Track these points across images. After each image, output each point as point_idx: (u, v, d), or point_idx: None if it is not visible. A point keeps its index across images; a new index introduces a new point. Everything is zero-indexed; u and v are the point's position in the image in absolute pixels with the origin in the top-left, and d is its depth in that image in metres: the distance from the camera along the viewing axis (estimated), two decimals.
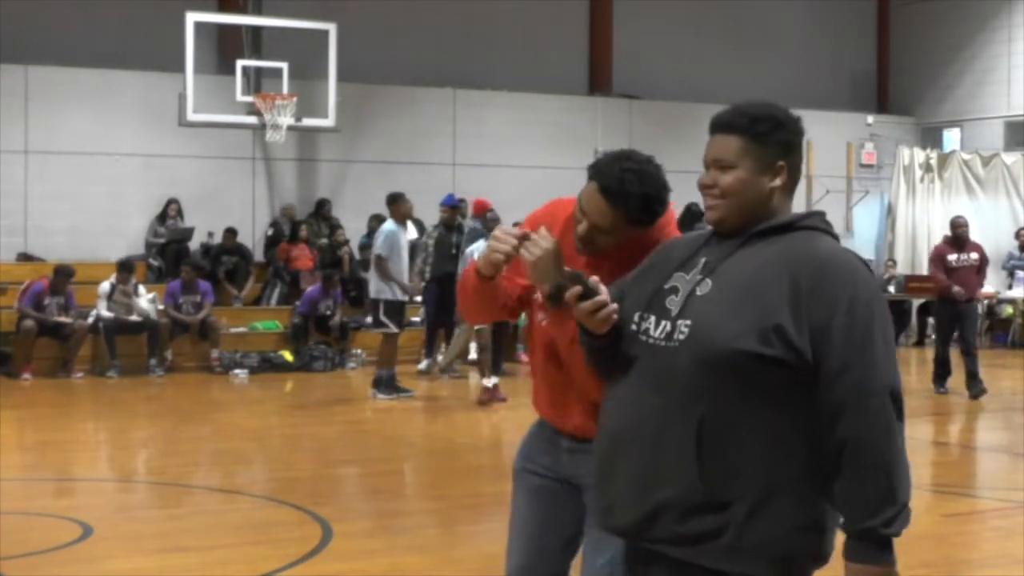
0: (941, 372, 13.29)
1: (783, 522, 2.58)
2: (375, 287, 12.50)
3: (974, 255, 13.24)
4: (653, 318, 2.74)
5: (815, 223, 2.75)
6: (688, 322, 2.64)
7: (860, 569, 2.55)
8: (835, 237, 2.75)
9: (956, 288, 12.86)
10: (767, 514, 2.58)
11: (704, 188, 2.73)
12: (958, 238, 13.34)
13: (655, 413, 2.65)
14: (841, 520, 2.60)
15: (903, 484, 2.56)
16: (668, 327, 2.68)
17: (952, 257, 13.16)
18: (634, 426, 2.69)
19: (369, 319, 13.81)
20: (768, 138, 2.71)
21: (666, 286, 2.75)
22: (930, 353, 18.96)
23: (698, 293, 2.68)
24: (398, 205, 12.64)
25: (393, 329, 12.41)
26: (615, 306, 2.77)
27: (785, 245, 2.66)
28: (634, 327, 2.77)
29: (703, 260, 2.73)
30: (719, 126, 2.74)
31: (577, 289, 2.75)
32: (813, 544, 2.63)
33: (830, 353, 2.55)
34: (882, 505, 2.53)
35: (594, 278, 2.80)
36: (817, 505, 2.62)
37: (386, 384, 12.51)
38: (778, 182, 2.72)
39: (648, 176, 3.17)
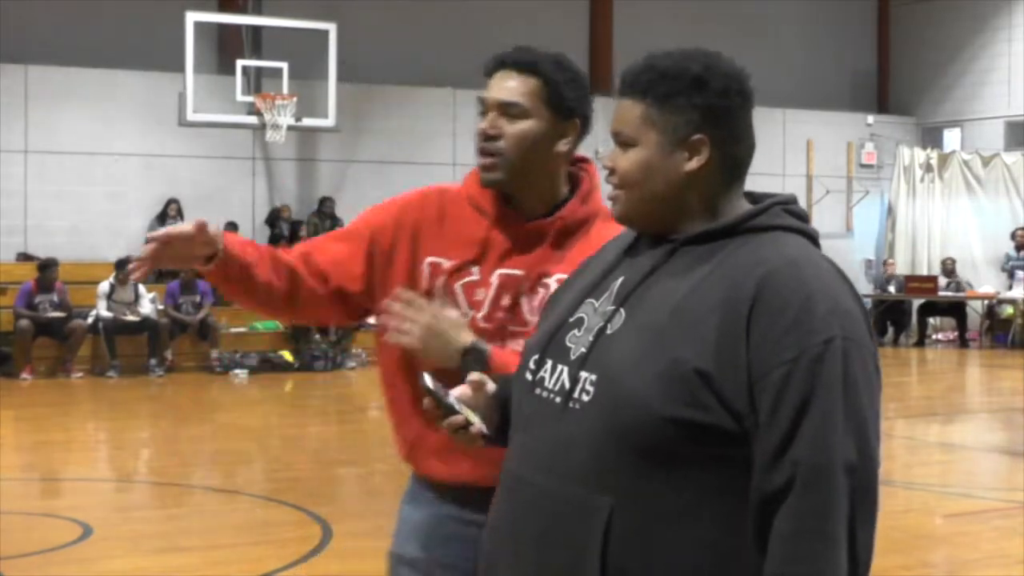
0: None
1: None
2: None
3: None
4: (550, 363, 1.94)
5: (771, 220, 1.90)
6: (594, 377, 1.85)
7: None
8: (808, 234, 1.92)
9: None
10: None
11: (607, 172, 1.99)
12: None
13: (545, 502, 1.86)
14: None
15: None
16: (565, 379, 1.89)
17: None
18: (518, 516, 1.91)
19: None
20: (677, 101, 1.89)
21: (571, 317, 1.96)
22: (930, 353, 19.12)
23: (609, 332, 1.87)
24: None
25: None
26: (476, 427, 2.06)
27: (726, 256, 1.85)
28: (529, 375, 1.97)
29: (619, 281, 1.93)
30: (622, 86, 1.96)
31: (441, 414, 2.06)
32: None
33: (765, 419, 1.74)
34: None
35: (458, 389, 2.09)
36: None
37: None
38: (695, 163, 1.89)
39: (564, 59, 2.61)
